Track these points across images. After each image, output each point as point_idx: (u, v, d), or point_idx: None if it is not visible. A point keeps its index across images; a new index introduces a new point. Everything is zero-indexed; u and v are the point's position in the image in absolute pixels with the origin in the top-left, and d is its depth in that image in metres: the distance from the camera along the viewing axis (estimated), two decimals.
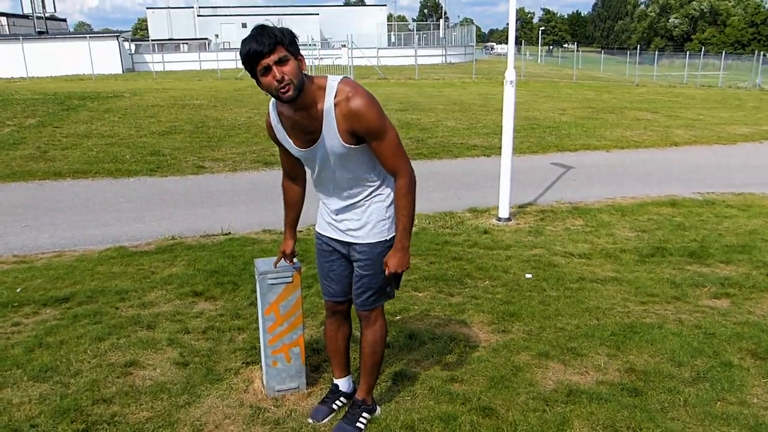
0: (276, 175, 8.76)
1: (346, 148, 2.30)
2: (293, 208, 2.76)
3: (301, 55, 2.18)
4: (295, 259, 2.91)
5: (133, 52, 41.42)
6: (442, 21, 54.96)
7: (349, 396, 2.89)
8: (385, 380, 3.09)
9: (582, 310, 3.99)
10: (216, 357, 3.36)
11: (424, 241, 5.53)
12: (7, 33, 49.05)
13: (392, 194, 2.44)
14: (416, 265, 4.86)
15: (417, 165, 10.07)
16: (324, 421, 2.76)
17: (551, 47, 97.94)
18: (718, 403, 2.90)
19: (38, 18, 45.89)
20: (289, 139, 2.38)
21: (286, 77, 2.12)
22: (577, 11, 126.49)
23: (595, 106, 17.49)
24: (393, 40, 55.50)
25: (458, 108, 16.73)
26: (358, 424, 2.67)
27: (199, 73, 33.86)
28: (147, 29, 58.76)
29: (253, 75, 2.16)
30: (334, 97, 2.22)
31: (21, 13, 52.68)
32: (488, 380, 3.08)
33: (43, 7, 45.13)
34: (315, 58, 32.23)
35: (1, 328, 3.76)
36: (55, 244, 5.63)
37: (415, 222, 6.17)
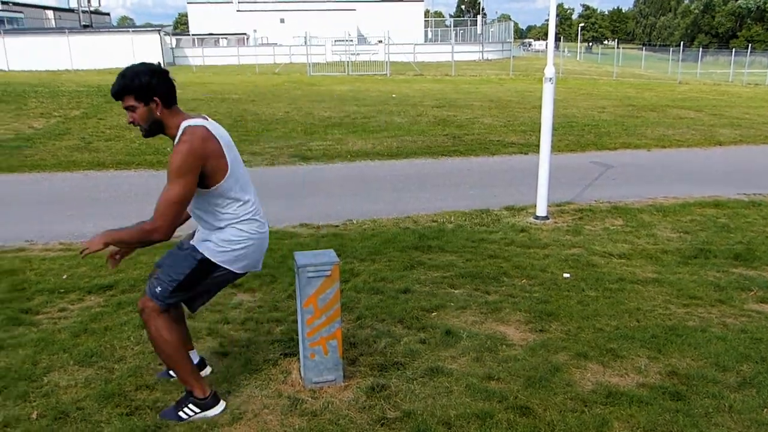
0: (311, 169, 8.83)
1: None
2: None
3: (155, 100, 2.45)
4: (333, 253, 2.94)
5: (173, 46, 42.22)
6: (479, 17, 54.53)
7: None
8: (421, 376, 3.10)
9: (622, 311, 3.92)
10: (254, 348, 3.41)
11: (460, 238, 5.51)
12: (54, 26, 50.64)
13: (227, 235, 2.63)
14: (452, 262, 4.84)
15: (453, 162, 9.91)
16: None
17: (590, 44, 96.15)
18: (765, 410, 2.82)
19: (83, 12, 47.07)
20: None
21: (135, 120, 2.51)
22: (618, 7, 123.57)
23: (636, 104, 17.12)
24: (430, 36, 55.32)
25: (495, 105, 16.58)
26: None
27: (238, 68, 34.30)
28: (187, 24, 59.76)
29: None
30: (178, 138, 2.50)
31: (67, 7, 54.27)
32: (525, 379, 3.06)
33: (88, 1, 46.27)
34: (352, 54, 32.35)
35: (49, 314, 3.89)
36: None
37: (451, 219, 6.17)
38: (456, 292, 4.26)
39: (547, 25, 6.05)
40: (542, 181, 6.10)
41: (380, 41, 37.09)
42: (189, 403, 2.74)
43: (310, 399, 2.90)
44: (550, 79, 5.93)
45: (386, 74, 28.70)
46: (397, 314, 3.83)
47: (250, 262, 2.74)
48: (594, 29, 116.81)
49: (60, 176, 8.22)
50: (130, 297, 4.11)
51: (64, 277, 4.52)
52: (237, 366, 3.19)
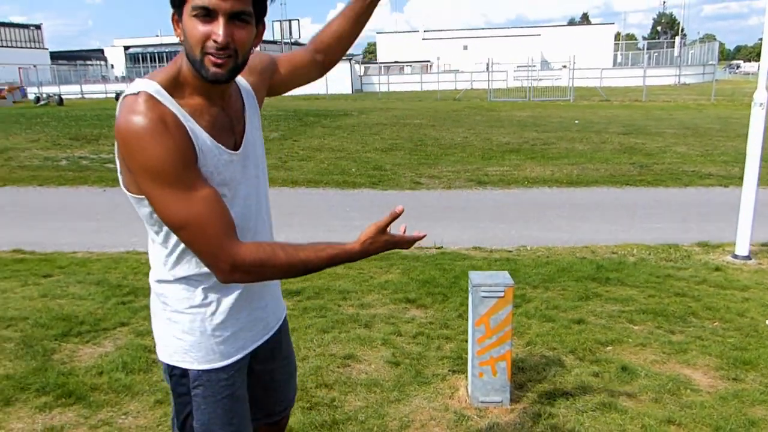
0: (487, 194, 8.85)
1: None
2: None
3: (264, 24, 1.43)
4: (507, 275, 2.96)
5: (362, 74, 45.02)
6: (678, 38, 50.74)
7: None
8: (592, 409, 2.98)
9: None
10: (424, 361, 3.53)
11: (642, 272, 5.17)
12: None
13: None
14: (632, 297, 4.58)
15: (639, 192, 9.37)
16: None
17: None
18: None
19: (285, 43, 52.08)
20: (215, 141, 1.46)
21: (233, 45, 1.34)
22: None
23: None
24: (619, 59, 52.67)
25: (691, 133, 15.28)
26: None
27: (420, 94, 35.57)
28: (375, 52, 63.50)
29: (178, 7, 1.34)
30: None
31: (272, 39, 60.94)
32: (713, 429, 2.80)
33: (290, 34, 51.00)
34: (534, 79, 31.95)
35: None
36: None
37: (634, 252, 5.83)
38: (635, 328, 4.02)
39: (761, 44, 5.48)
40: (745, 216, 5.50)
41: (564, 66, 36.17)
42: None
43: (475, 417, 2.93)
44: (761, 104, 5.36)
45: (569, 100, 27.84)
46: (569, 344, 3.72)
47: None
48: None
49: None
50: (314, 303, 4.47)
51: None
52: (408, 376, 3.33)
